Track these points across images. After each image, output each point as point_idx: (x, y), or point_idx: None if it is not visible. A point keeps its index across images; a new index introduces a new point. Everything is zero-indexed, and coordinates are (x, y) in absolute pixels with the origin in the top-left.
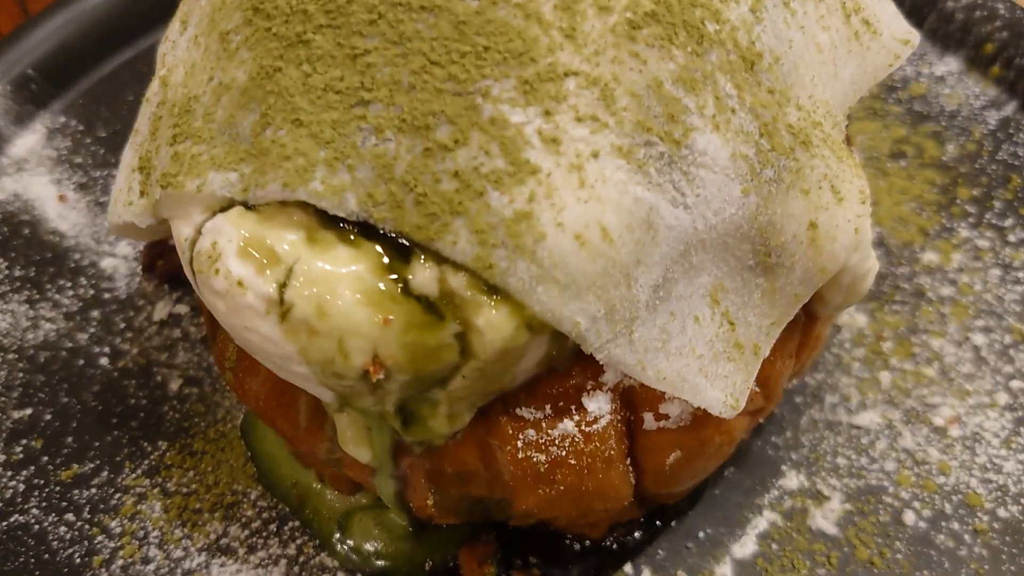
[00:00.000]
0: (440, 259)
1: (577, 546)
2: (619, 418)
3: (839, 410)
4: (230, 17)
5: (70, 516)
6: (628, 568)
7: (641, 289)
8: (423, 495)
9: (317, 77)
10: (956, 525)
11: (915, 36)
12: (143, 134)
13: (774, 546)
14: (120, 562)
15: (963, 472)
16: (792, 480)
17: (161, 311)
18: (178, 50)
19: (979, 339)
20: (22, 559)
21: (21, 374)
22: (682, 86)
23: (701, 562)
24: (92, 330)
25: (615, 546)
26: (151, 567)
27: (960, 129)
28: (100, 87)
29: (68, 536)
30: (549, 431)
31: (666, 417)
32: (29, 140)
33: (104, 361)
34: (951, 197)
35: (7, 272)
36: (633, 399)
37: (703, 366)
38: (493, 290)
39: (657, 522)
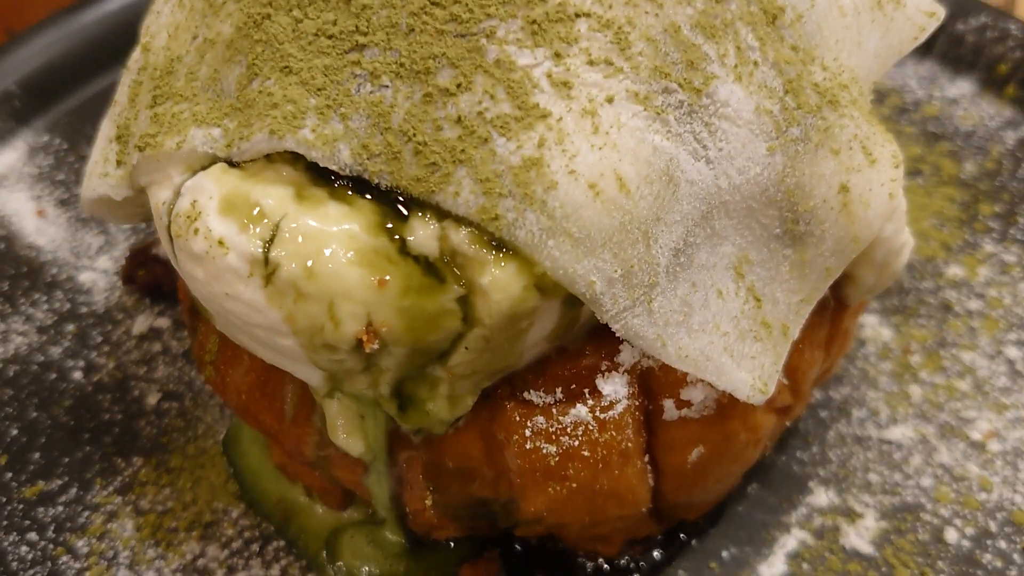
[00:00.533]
0: (441, 214)
1: (590, 565)
2: (637, 405)
3: (868, 425)
4: None
5: (32, 535)
6: None
7: (661, 251)
8: (421, 496)
9: (308, 22)
10: (1003, 544)
11: (940, 10)
12: (121, 103)
13: (805, 566)
14: None
15: (1006, 488)
16: (821, 497)
17: (141, 325)
18: (162, 17)
19: (1013, 352)
20: None
21: None
22: (701, 32)
23: None
24: (66, 344)
25: (631, 566)
26: None
27: (977, 148)
28: (86, 106)
29: (30, 557)
30: (560, 418)
31: (688, 404)
32: (9, 157)
33: (78, 375)
34: (972, 213)
35: None
36: (652, 384)
37: (728, 345)
38: (499, 247)
39: (680, 536)
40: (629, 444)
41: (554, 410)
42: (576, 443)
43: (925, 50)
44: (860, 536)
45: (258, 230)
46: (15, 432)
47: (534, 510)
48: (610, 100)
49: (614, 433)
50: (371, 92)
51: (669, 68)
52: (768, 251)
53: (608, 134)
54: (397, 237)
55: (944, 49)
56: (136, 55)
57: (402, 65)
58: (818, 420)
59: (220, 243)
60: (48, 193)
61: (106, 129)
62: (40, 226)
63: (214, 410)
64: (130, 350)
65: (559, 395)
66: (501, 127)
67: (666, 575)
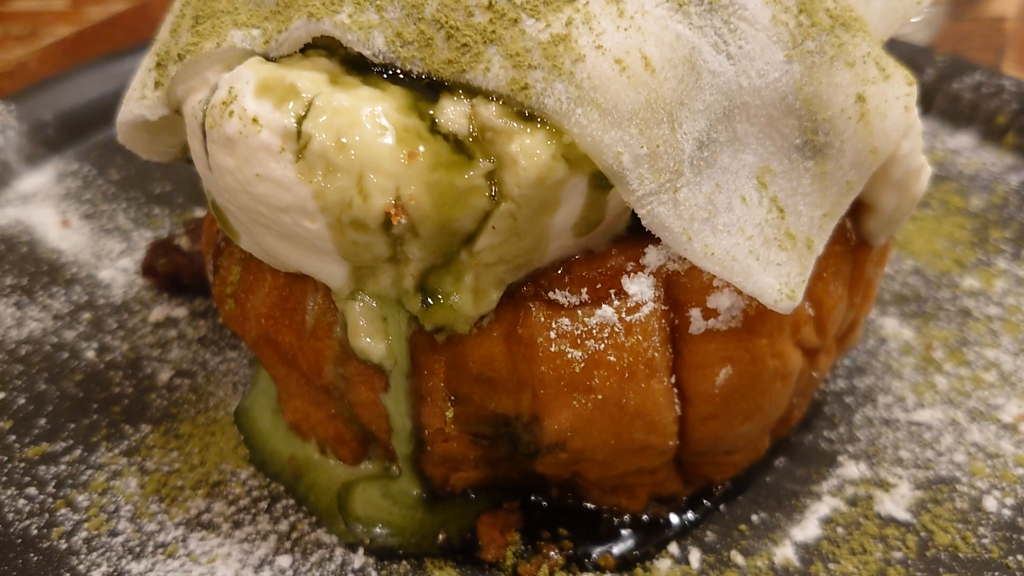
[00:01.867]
0: (471, 93)
1: (615, 521)
2: (663, 311)
3: (895, 409)
4: None
5: (32, 490)
6: (674, 548)
7: (685, 137)
8: (441, 410)
9: None
10: None
11: None
12: (162, 39)
13: (840, 530)
14: (83, 534)
15: None
16: (852, 470)
17: (157, 314)
18: None
19: None
20: None
21: None
22: None
23: (758, 544)
24: (81, 328)
25: (658, 523)
26: (119, 540)
27: (982, 187)
28: (115, 141)
29: (27, 509)
30: (586, 319)
31: (715, 314)
32: (39, 180)
33: (91, 355)
34: (983, 236)
35: None
36: (678, 293)
37: (754, 248)
38: (528, 118)
39: (706, 502)
40: (656, 354)
41: (580, 311)
42: (602, 347)
43: (925, 108)
44: (896, 504)
45: (292, 106)
46: (22, 401)
47: (558, 428)
48: None
49: (640, 338)
50: None
51: None
52: (789, 162)
53: (633, 18)
54: (427, 117)
55: (943, 107)
56: (176, 3)
57: None
58: (844, 405)
59: (254, 120)
60: (74, 208)
61: (146, 62)
62: (64, 234)
63: (227, 386)
64: (145, 335)
65: (585, 296)
66: (531, 9)
67: (694, 536)
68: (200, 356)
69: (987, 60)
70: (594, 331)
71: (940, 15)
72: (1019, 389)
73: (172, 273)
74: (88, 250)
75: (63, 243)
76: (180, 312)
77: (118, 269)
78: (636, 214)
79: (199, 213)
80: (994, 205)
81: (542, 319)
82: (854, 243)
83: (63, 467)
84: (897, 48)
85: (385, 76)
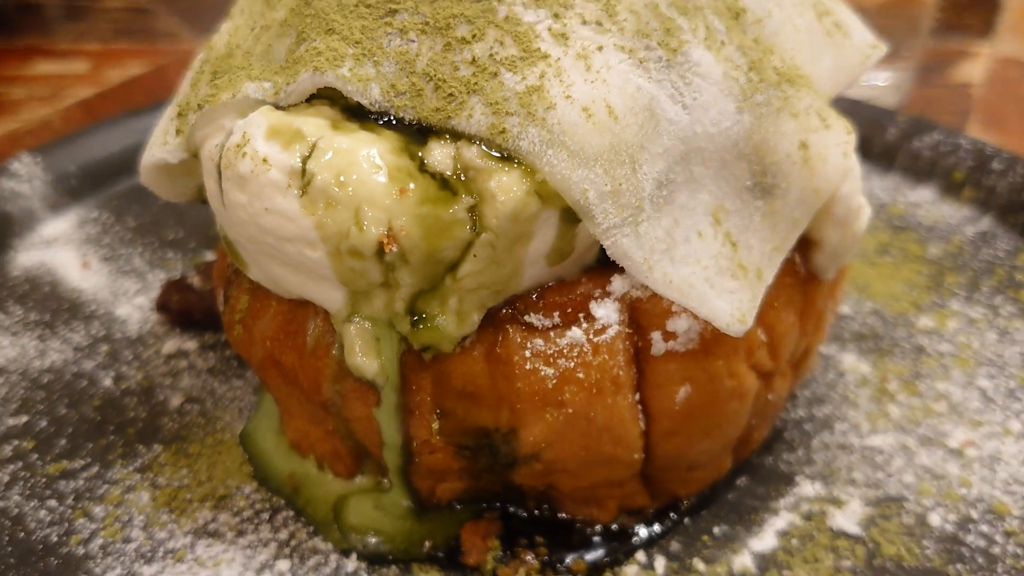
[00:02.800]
0: (455, 137)
1: (587, 530)
2: (627, 334)
3: (850, 435)
4: None
5: (52, 502)
6: (641, 556)
7: (645, 177)
8: (428, 422)
9: None
10: (985, 527)
11: (882, 45)
12: (182, 92)
13: (794, 542)
14: (99, 541)
15: (985, 485)
16: (808, 489)
17: (170, 347)
18: (221, 33)
19: (984, 383)
20: None
21: (21, 390)
22: (676, 10)
23: (719, 553)
24: (99, 359)
25: (627, 533)
26: (132, 546)
27: (939, 237)
28: (134, 191)
29: (48, 519)
30: (558, 340)
31: (674, 337)
32: (61, 225)
33: (108, 382)
34: (939, 281)
35: (21, 316)
36: (640, 318)
37: (708, 277)
38: (505, 159)
39: (672, 515)
40: (621, 372)
41: (552, 333)
42: (572, 365)
43: (888, 165)
44: (847, 519)
45: (298, 147)
46: (44, 424)
47: (533, 439)
48: (600, 49)
49: (606, 357)
50: (400, 45)
51: (649, 32)
52: (741, 201)
53: (599, 72)
54: (416, 158)
55: (905, 163)
56: (199, 57)
57: (427, 23)
58: (803, 431)
59: (264, 160)
60: (93, 252)
61: (168, 112)
62: (84, 275)
63: (232, 411)
64: (158, 365)
65: (557, 319)
66: (509, 65)
67: (660, 545)
68: (209, 384)
69: (953, 123)
70: (565, 351)
71: (908, 80)
72: (966, 418)
73: (184, 310)
74: (106, 289)
75: (84, 283)
76: (191, 345)
77: (134, 306)
78: (602, 246)
79: (209, 256)
80: (950, 253)
81: (518, 339)
82: (804, 276)
83: (81, 482)
84: (863, 110)
85: (380, 122)
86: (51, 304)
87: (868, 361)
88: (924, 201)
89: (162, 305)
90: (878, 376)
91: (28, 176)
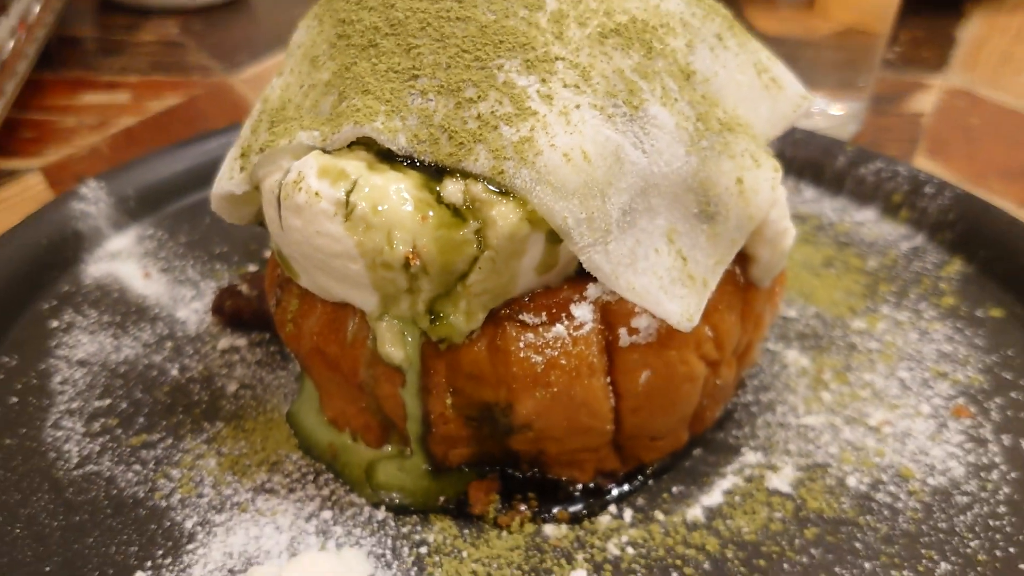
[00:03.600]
0: (465, 176)
1: (569, 487)
2: (600, 330)
3: (789, 416)
4: (319, 47)
5: (137, 467)
6: (612, 508)
7: (613, 207)
8: (442, 398)
9: (382, 64)
10: (892, 488)
11: (811, 97)
12: (244, 136)
13: (737, 498)
14: (178, 496)
15: (896, 456)
16: (751, 458)
17: (224, 343)
18: (274, 87)
19: (903, 374)
20: (93, 494)
21: (103, 379)
22: (638, 75)
23: (675, 507)
24: (165, 353)
25: (601, 490)
26: (204, 500)
27: (878, 252)
28: (184, 212)
29: (134, 479)
30: (544, 334)
31: (637, 332)
32: (123, 241)
33: (174, 372)
34: (874, 290)
35: (97, 318)
36: (610, 317)
37: (663, 285)
38: (503, 193)
39: (639, 478)
40: (595, 360)
41: (540, 328)
42: (556, 354)
43: (837, 189)
44: (780, 480)
45: (342, 184)
46: (124, 405)
47: (525, 412)
48: (577, 107)
49: (583, 347)
50: (421, 103)
51: (616, 93)
52: (690, 225)
53: (576, 126)
54: (434, 192)
55: (851, 187)
56: (256, 108)
57: (442, 86)
58: (749, 412)
59: (316, 194)
60: (152, 264)
61: (231, 153)
62: (146, 284)
63: (279, 395)
64: (215, 359)
65: (544, 317)
66: (506, 120)
67: (628, 500)
68: (258, 374)
69: (904, 149)
70: (551, 342)
71: (864, 110)
72: (885, 402)
73: (235, 312)
74: (166, 295)
75: (146, 290)
76: (241, 342)
77: (191, 310)
78: (580, 260)
79: (251, 267)
80: (885, 266)
81: (514, 333)
82: (743, 285)
83: (159, 451)
84: (817, 140)
85: (406, 164)
86: (120, 308)
87: (808, 356)
88: (867, 220)
89: (217, 308)
90: (815, 368)
91: (94, 199)
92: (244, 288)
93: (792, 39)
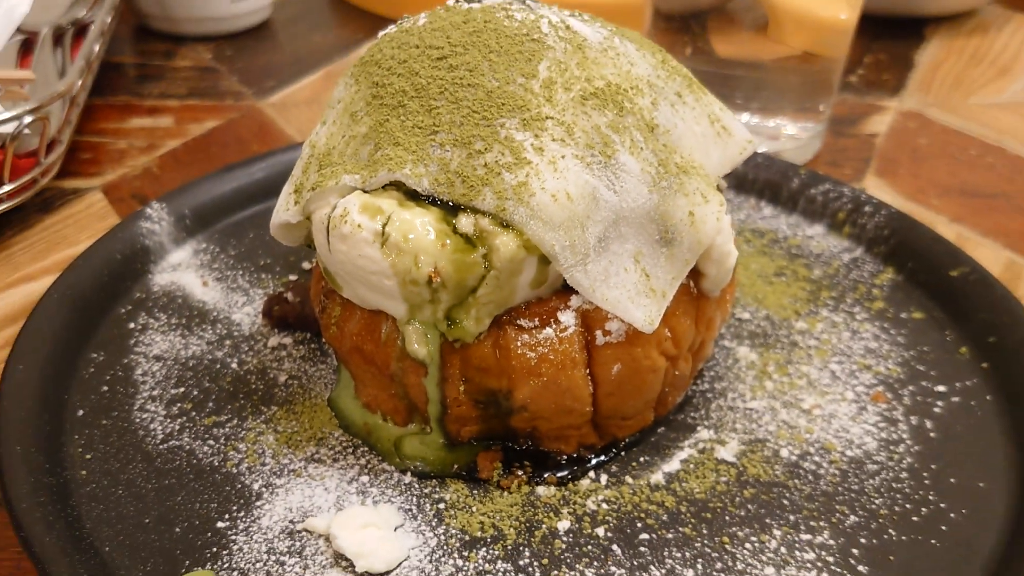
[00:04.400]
0: (475, 212)
1: (557, 457)
2: (580, 332)
3: (737, 401)
4: (357, 104)
5: (211, 442)
6: (592, 474)
7: (590, 236)
8: (456, 385)
9: (409, 122)
10: (817, 458)
11: (755, 141)
12: (296, 176)
13: (691, 466)
14: (245, 464)
15: (823, 433)
16: (704, 434)
17: (273, 342)
18: (320, 135)
19: (834, 367)
20: (177, 463)
21: (176, 371)
22: (611, 129)
23: (641, 472)
24: (225, 350)
25: (583, 460)
26: (266, 467)
27: (823, 263)
28: (231, 228)
29: (209, 452)
30: (537, 335)
31: (609, 333)
32: (182, 254)
33: (234, 365)
34: (816, 296)
35: (166, 320)
36: (589, 321)
37: (630, 296)
38: (505, 226)
39: (614, 450)
40: (576, 355)
41: (534, 331)
42: (546, 351)
43: (792, 207)
44: (727, 452)
45: (379, 218)
46: (195, 393)
47: (522, 397)
48: (563, 157)
49: (567, 346)
50: (440, 154)
51: (593, 145)
52: (652, 249)
53: (562, 172)
54: (451, 224)
55: (803, 206)
56: (305, 152)
57: (457, 140)
58: (705, 398)
59: (358, 226)
60: (208, 274)
61: (285, 190)
62: (204, 291)
63: (321, 384)
64: (267, 354)
65: (537, 322)
66: (507, 168)
67: (604, 468)
68: (303, 367)
69: (858, 168)
70: (542, 342)
71: (824, 132)
72: (817, 390)
73: (282, 316)
74: (222, 301)
75: (205, 297)
76: (288, 340)
77: (244, 313)
78: (564, 278)
79: (291, 277)
80: (828, 275)
81: (513, 335)
82: (696, 295)
83: (227, 429)
84: (776, 164)
85: (428, 202)
86: (184, 312)
87: (756, 352)
88: (816, 235)
89: (266, 312)
90: (761, 362)
91: (158, 218)
92: (289, 296)
93: (754, 63)
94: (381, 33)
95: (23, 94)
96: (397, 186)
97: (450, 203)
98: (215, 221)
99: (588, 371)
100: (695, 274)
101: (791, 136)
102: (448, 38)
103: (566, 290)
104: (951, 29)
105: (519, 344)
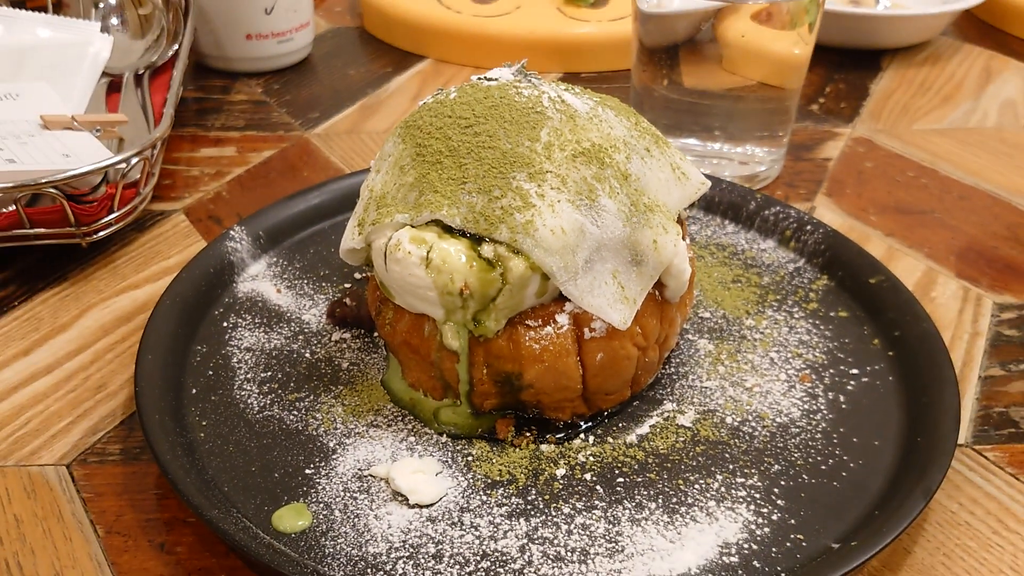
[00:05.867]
0: (495, 242)
1: (556, 423)
2: (572, 328)
3: (695, 381)
4: (404, 160)
5: (295, 413)
6: (582, 436)
7: (579, 259)
8: (481, 369)
9: (444, 175)
10: (753, 424)
11: (707, 183)
12: (359, 212)
13: (658, 429)
14: (322, 428)
15: (759, 405)
16: (669, 406)
17: (336, 337)
18: (375, 181)
19: (773, 355)
20: (271, 427)
21: (263, 359)
22: (595, 180)
23: (619, 434)
24: (299, 343)
25: (576, 425)
26: (338, 431)
27: (772, 271)
28: (296, 245)
29: (294, 419)
30: (540, 331)
31: (595, 330)
32: (258, 267)
33: (307, 355)
34: (764, 299)
35: (251, 320)
36: (579, 321)
37: (610, 303)
38: (516, 253)
39: (599, 418)
40: (569, 347)
41: (538, 328)
42: (547, 343)
43: (749, 225)
44: (685, 419)
45: (423, 247)
46: (280, 376)
47: (528, 378)
48: (559, 201)
49: (562, 340)
50: (468, 199)
51: (582, 192)
52: (626, 267)
53: (558, 213)
54: (476, 251)
55: (758, 225)
56: (364, 195)
57: (479, 188)
58: (671, 379)
59: (409, 253)
60: (281, 283)
61: (350, 224)
62: (278, 297)
63: (374, 369)
64: (331, 347)
65: (540, 322)
66: (517, 210)
67: (592, 431)
68: (360, 356)
69: (811, 188)
70: (544, 337)
71: (783, 157)
72: (758, 373)
73: (343, 317)
74: (294, 305)
75: (280, 302)
76: (347, 336)
77: (311, 315)
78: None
79: (347, 285)
80: (775, 281)
81: (522, 331)
82: (660, 301)
83: (307, 403)
84: (737, 189)
85: (460, 234)
86: (265, 314)
87: (713, 343)
88: (768, 248)
89: (330, 314)
90: (716, 351)
91: (239, 238)
92: (347, 300)
93: (717, 93)
94: (421, 102)
95: (116, 134)
96: (437, 223)
97: (476, 236)
98: (283, 240)
99: (579, 359)
100: (659, 286)
101: (759, 159)
102: (473, 111)
103: (561, 298)
104: (904, 60)
105: (527, 338)
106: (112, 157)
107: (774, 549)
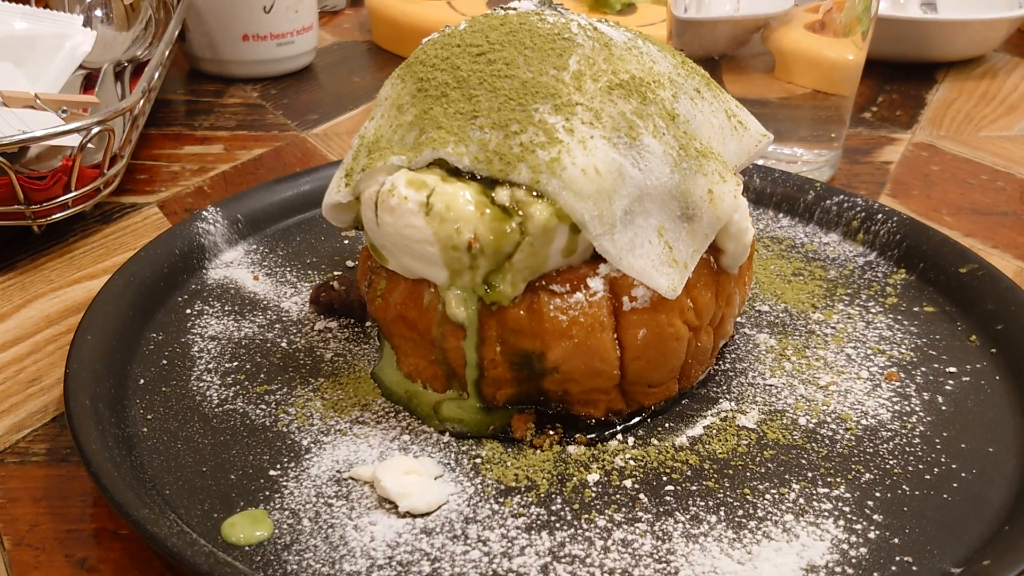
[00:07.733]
0: (512, 185)
1: (587, 420)
2: (608, 297)
3: (757, 379)
4: (403, 98)
5: (263, 407)
6: (619, 437)
7: (617, 208)
8: (493, 346)
9: (451, 109)
10: (833, 426)
11: (769, 135)
12: (346, 162)
13: (714, 431)
14: (295, 425)
15: (838, 405)
16: (725, 405)
17: (319, 326)
18: (368, 128)
19: (850, 351)
20: (232, 422)
21: (229, 349)
22: (636, 116)
23: (666, 436)
24: (275, 332)
25: (612, 423)
26: (315, 427)
27: (839, 266)
28: (280, 232)
29: (262, 415)
30: (568, 299)
31: (635, 299)
32: (234, 253)
33: (283, 344)
34: (832, 292)
35: (220, 307)
36: (616, 287)
37: (655, 266)
38: (538, 197)
39: (639, 417)
40: (604, 319)
41: (565, 295)
42: (576, 314)
43: (808, 218)
44: (747, 420)
45: (423, 191)
46: (248, 366)
47: (554, 358)
48: (592, 137)
49: (596, 310)
50: (479, 135)
51: (620, 128)
52: (675, 224)
53: (590, 150)
54: (489, 196)
55: (819, 216)
56: (355, 143)
57: (495, 123)
58: (727, 376)
59: (405, 198)
60: (259, 270)
61: (336, 175)
62: (255, 284)
63: (364, 360)
64: (314, 336)
65: (568, 288)
66: (540, 146)
67: (631, 431)
68: (347, 347)
69: (872, 190)
70: (573, 306)
71: (838, 158)
72: (834, 370)
73: (328, 303)
74: (272, 292)
75: (256, 289)
76: (333, 324)
77: (292, 303)
78: (594, 246)
79: (336, 272)
80: (843, 275)
81: (545, 299)
82: (716, 271)
83: (278, 396)
84: (793, 179)
85: (468, 177)
86: (237, 301)
87: (775, 338)
88: (832, 242)
89: (314, 299)
90: (780, 347)
91: (213, 220)
92: (335, 284)
93: (768, 100)
94: (425, 39)
95: (86, 117)
96: (440, 164)
97: (488, 179)
98: (265, 226)
99: (616, 335)
100: (715, 250)
101: (806, 161)
102: (487, 38)
103: (595, 259)
104: (961, 73)
105: (551, 308)
106: (67, 125)
107: (876, 574)
